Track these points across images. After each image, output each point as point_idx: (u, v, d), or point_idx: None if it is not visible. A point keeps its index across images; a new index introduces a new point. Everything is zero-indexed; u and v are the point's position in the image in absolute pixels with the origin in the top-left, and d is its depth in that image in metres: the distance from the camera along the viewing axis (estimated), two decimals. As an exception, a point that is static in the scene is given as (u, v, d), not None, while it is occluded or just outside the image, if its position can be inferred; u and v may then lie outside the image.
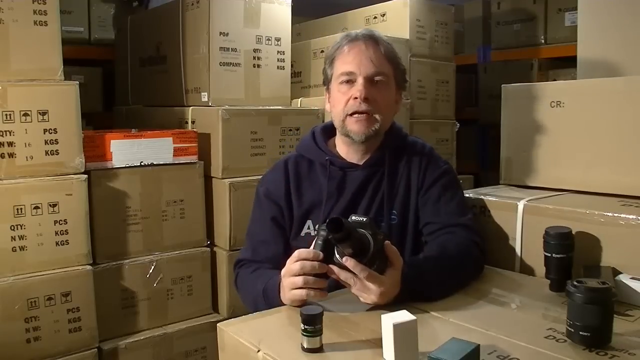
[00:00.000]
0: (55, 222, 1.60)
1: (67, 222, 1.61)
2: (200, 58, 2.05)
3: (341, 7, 2.73)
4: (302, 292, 1.05)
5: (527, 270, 1.38)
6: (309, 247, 1.09)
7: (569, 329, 0.91)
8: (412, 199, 1.35)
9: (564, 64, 2.98)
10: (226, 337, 1.02)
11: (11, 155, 1.54)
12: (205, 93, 2.04)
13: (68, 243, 1.62)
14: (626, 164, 1.39)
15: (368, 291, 1.04)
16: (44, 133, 1.58)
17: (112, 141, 1.74)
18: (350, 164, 1.37)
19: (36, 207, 1.57)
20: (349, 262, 1.01)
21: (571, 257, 1.20)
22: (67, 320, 1.61)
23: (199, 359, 1.91)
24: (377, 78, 1.31)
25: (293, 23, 2.24)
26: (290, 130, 2.05)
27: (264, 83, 2.14)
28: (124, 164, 1.77)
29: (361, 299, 1.06)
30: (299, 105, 2.29)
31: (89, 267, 1.66)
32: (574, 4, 2.19)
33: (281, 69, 2.19)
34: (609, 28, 1.76)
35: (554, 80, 2.92)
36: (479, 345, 0.80)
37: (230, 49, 2.04)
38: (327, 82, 1.40)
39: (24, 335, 1.55)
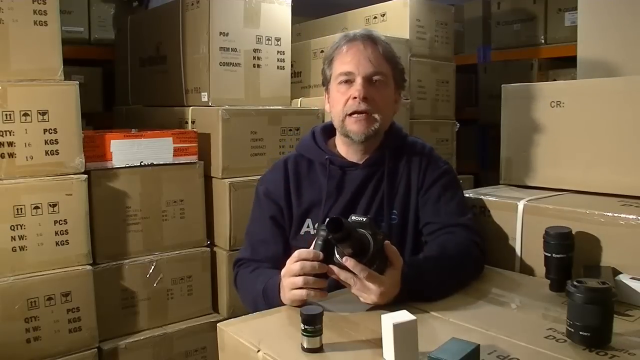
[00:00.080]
0: (55, 222, 1.60)
1: (67, 222, 1.61)
2: (200, 58, 2.05)
3: (341, 7, 2.73)
4: (302, 292, 1.05)
5: (527, 270, 1.38)
6: (308, 246, 1.09)
7: (569, 329, 0.91)
8: (412, 199, 1.35)
9: (564, 64, 2.97)
10: (226, 337, 1.02)
11: (11, 155, 1.54)
12: (205, 93, 2.04)
13: (68, 243, 1.62)
14: (626, 164, 1.39)
15: (368, 291, 1.04)
16: (44, 133, 1.58)
17: (112, 141, 1.74)
18: (350, 163, 1.37)
19: (36, 207, 1.57)
20: (348, 262, 1.01)
21: (571, 257, 1.20)
22: (67, 320, 1.61)
23: (199, 359, 1.91)
24: (375, 78, 1.31)
25: (293, 23, 2.24)
26: (290, 130, 2.05)
27: (264, 83, 2.14)
28: (124, 164, 1.77)
29: (361, 299, 1.06)
30: (299, 105, 2.29)
31: (89, 267, 1.66)
32: (574, 4, 2.19)
33: (281, 69, 2.19)
34: (609, 28, 1.76)
35: (554, 80, 2.92)
36: (479, 345, 0.80)
37: (230, 49, 2.04)
38: (326, 82, 1.40)
39: (24, 335, 1.54)
